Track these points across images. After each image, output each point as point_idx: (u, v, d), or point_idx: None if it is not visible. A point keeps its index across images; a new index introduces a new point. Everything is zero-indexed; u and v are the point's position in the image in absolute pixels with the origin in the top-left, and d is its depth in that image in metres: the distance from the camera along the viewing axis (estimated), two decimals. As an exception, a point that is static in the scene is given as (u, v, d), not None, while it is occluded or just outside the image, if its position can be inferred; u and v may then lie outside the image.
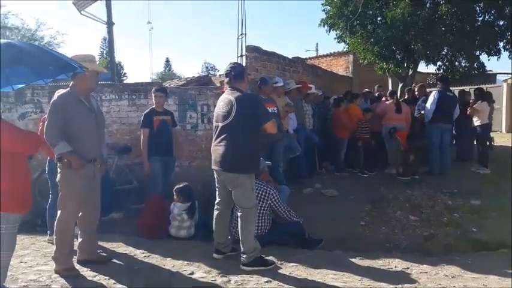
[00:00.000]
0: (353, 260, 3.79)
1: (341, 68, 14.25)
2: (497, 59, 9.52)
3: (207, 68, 57.21)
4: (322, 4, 10.39)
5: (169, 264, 3.75)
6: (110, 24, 12.52)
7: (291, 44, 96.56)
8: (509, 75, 19.01)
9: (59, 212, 3.45)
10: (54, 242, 3.52)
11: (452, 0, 8.42)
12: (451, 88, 8.03)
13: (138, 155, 5.84)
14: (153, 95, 5.45)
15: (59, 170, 3.46)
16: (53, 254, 3.50)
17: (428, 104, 7.57)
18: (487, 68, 10.19)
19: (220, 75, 16.60)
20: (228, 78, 3.71)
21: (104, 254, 3.94)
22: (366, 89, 9.43)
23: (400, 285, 3.12)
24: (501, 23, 9.02)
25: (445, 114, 7.50)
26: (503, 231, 4.44)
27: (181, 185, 4.74)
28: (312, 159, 7.70)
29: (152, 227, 4.67)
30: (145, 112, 5.46)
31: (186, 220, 4.60)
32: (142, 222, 4.76)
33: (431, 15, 8.60)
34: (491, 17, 8.97)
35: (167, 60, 62.98)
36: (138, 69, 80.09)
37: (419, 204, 5.43)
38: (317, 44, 55.30)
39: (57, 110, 3.38)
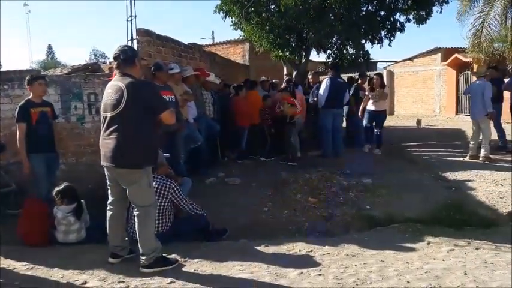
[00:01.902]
0: (258, 248, 3.74)
1: (238, 55, 14.27)
2: (380, 47, 10.36)
3: (95, 55, 53.38)
4: (217, -11, 10.18)
5: (58, 274, 3.29)
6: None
7: (185, 31, 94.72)
8: (389, 63, 21.20)
9: None
10: None
11: (339, -11, 8.87)
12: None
13: (15, 154, 5.10)
14: (30, 84, 4.75)
15: None
16: None
17: (321, 91, 7.94)
18: (371, 56, 10.99)
19: (110, 62, 15.45)
20: (116, 63, 3.32)
21: (-25, 272, 3.31)
22: (263, 77, 9.54)
23: (305, 269, 3.13)
24: (382, 13, 9.80)
25: (336, 100, 7.94)
26: (392, 208, 4.80)
27: (61, 187, 4.23)
28: (214, 148, 7.58)
29: (34, 233, 4.11)
30: (20, 104, 4.77)
31: (74, 223, 4.12)
32: (22, 230, 4.17)
33: (321, 4, 8.94)
34: (374, 7, 9.68)
35: (50, 48, 57.52)
36: (16, 58, 71.34)
37: (317, 186, 5.65)
38: (213, 31, 55.14)
39: None
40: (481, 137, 7.37)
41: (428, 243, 3.69)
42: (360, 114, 8.49)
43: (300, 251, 3.62)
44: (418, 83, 19.06)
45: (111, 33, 76.43)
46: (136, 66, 3.35)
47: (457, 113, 16.45)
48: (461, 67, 16.04)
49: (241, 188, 5.97)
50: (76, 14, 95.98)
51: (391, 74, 20.24)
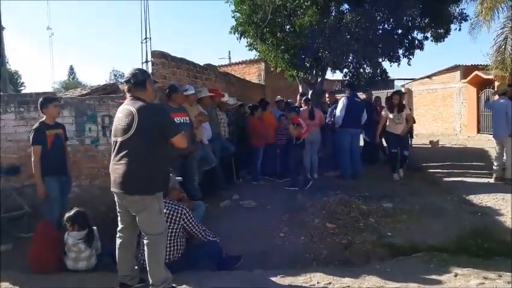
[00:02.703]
0: (274, 279, 3.54)
1: (254, 75, 14.28)
2: (398, 65, 10.15)
3: (115, 75, 54.39)
4: (232, 11, 10.24)
5: (64, 305, 3.18)
6: (-2, 28, 11.03)
7: (203, 51, 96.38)
8: (407, 81, 20.91)
9: None
10: None
11: (355, 9, 8.77)
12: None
13: (30, 176, 5.09)
14: (45, 106, 4.73)
15: None
16: None
17: (338, 110, 7.78)
18: (388, 74, 10.77)
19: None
20: (127, 87, 3.26)
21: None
22: (279, 97, 9.45)
23: (323, 306, 2.94)
24: (399, 31, 9.64)
25: (354, 120, 7.75)
26: (415, 235, 4.54)
27: (71, 212, 4.12)
28: (229, 169, 7.46)
29: (44, 260, 4.00)
30: (35, 127, 4.72)
31: (84, 250, 4.00)
32: (32, 255, 4.07)
33: (337, 23, 8.85)
34: (391, 26, 9.54)
35: (71, 68, 59.11)
36: (39, 79, 73.21)
37: (335, 210, 5.41)
38: (229, 51, 55.30)
39: None
40: (504, 157, 7.05)
41: (456, 275, 3.42)
42: (377, 137, 8.18)
43: (318, 283, 3.41)
44: (437, 101, 18.69)
45: (131, 53, 78.12)
46: (147, 89, 3.28)
47: (478, 131, 16.00)
48: (481, 85, 15.65)
49: (256, 211, 5.80)
50: (97, 35, 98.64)
51: (409, 92, 19.94)
